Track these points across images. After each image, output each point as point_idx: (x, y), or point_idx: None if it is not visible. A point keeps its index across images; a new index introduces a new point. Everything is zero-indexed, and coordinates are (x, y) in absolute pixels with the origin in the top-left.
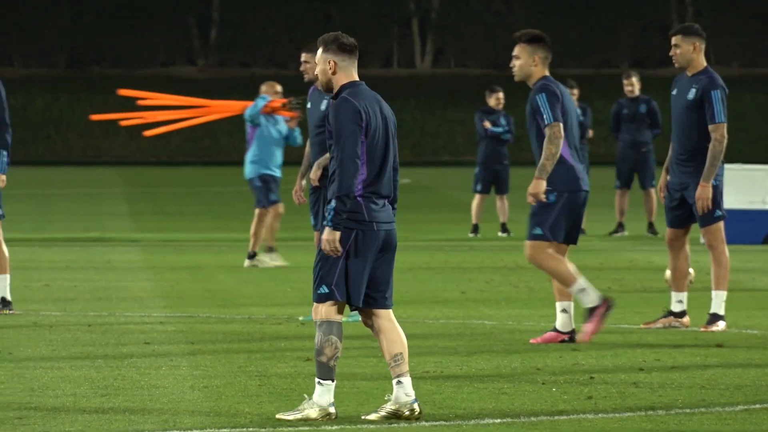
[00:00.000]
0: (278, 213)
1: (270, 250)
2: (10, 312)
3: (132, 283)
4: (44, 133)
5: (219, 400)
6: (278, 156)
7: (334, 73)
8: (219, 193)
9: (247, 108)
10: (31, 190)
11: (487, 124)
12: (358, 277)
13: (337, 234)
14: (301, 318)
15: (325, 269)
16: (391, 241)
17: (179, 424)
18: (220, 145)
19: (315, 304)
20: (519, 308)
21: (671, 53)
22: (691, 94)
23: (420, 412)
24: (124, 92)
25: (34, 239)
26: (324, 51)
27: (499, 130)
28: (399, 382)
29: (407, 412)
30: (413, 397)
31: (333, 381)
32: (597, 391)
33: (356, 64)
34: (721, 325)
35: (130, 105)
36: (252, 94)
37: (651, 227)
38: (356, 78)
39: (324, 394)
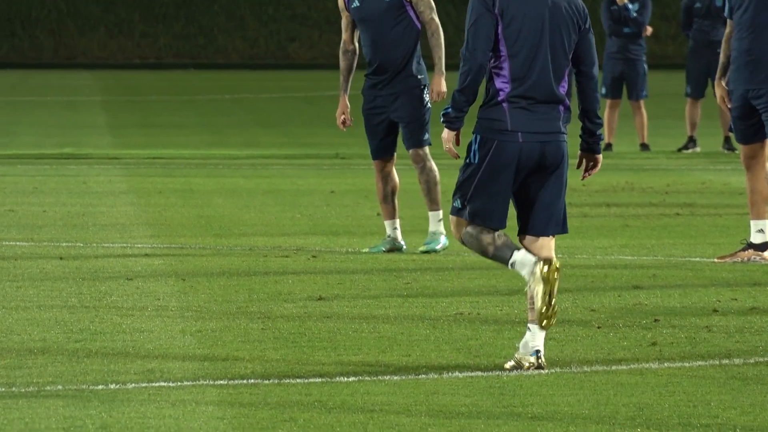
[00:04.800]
0: None
1: None
2: None
3: (112, 208)
4: (8, 30)
5: (214, 346)
6: None
7: None
8: (215, 102)
9: None
10: None
11: None
12: (495, 196)
13: (452, 134)
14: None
15: (462, 180)
16: (551, 158)
17: (168, 374)
18: (217, 44)
19: (450, 216)
20: (569, 238)
21: None
22: None
23: (539, 366)
24: None
25: None
26: None
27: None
28: (528, 329)
29: (527, 364)
30: (536, 348)
31: (517, 250)
32: (662, 337)
33: None
34: None
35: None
36: None
37: (728, 142)
38: None
39: (523, 267)
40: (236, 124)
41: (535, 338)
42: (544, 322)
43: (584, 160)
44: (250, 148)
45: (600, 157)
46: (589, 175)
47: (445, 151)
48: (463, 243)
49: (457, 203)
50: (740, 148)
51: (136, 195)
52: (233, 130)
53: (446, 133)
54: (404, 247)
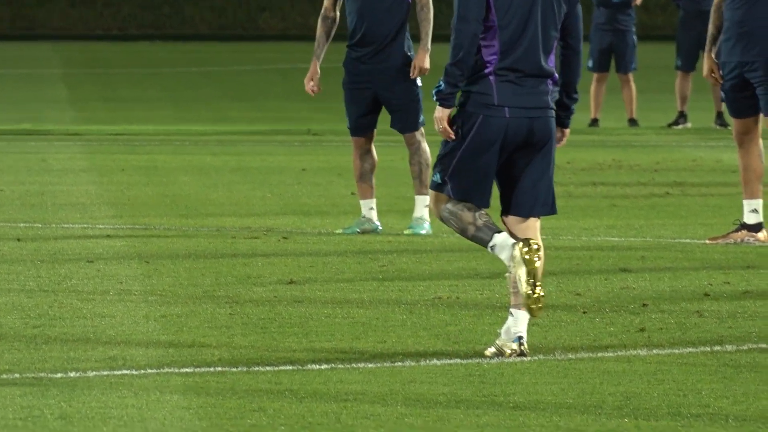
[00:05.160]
0: None
1: None
2: None
3: (72, 186)
4: None
5: (180, 332)
6: None
7: None
8: (182, 75)
9: None
10: None
11: None
12: (478, 172)
13: (446, 112)
14: (339, 230)
15: (443, 153)
16: (539, 135)
17: (130, 362)
18: (183, 14)
19: (430, 190)
20: (554, 218)
21: None
22: None
23: (522, 353)
24: None
25: None
26: None
27: None
28: (510, 314)
29: (508, 351)
30: (519, 334)
31: (498, 233)
32: (651, 322)
33: None
34: None
35: None
36: None
37: (720, 117)
38: None
39: (503, 251)
40: (203, 98)
41: (517, 323)
42: (533, 308)
43: None
44: (218, 124)
45: (568, 131)
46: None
47: (439, 132)
48: (442, 220)
49: (437, 178)
50: (733, 124)
51: (97, 173)
52: (200, 104)
53: (440, 112)
54: (380, 228)
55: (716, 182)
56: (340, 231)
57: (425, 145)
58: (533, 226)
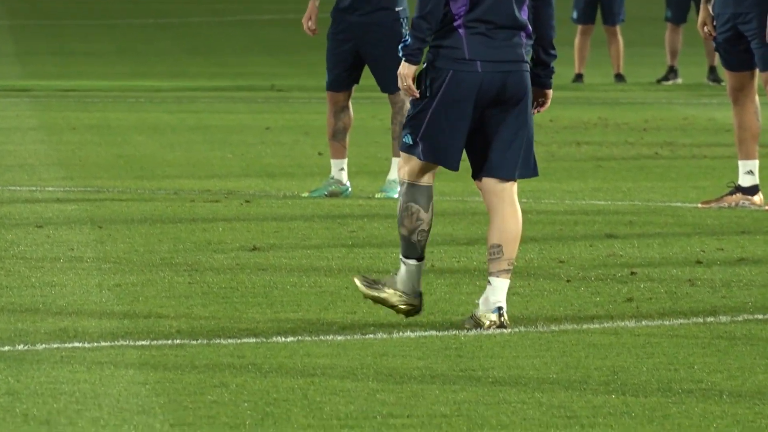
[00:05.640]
0: None
1: None
2: None
3: (20, 146)
4: None
5: (135, 302)
6: None
7: None
8: (136, 27)
9: None
10: None
11: None
12: (451, 132)
13: (412, 68)
14: (306, 193)
15: (413, 114)
16: (512, 90)
17: (82, 334)
18: None
19: (401, 152)
20: (535, 180)
21: None
22: None
23: (501, 325)
24: None
25: None
26: None
27: None
28: (489, 282)
29: (487, 323)
30: (498, 304)
31: (420, 260)
32: (639, 292)
33: None
34: None
35: None
36: None
37: (713, 72)
38: None
39: (407, 278)
40: (160, 52)
41: (496, 293)
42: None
43: (534, 96)
44: (176, 79)
45: (551, 92)
46: (538, 111)
47: (403, 90)
48: (399, 194)
49: (408, 139)
50: (727, 79)
51: (46, 131)
52: (156, 58)
53: (405, 68)
54: (349, 190)
55: (709, 142)
56: (306, 194)
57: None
58: (510, 191)
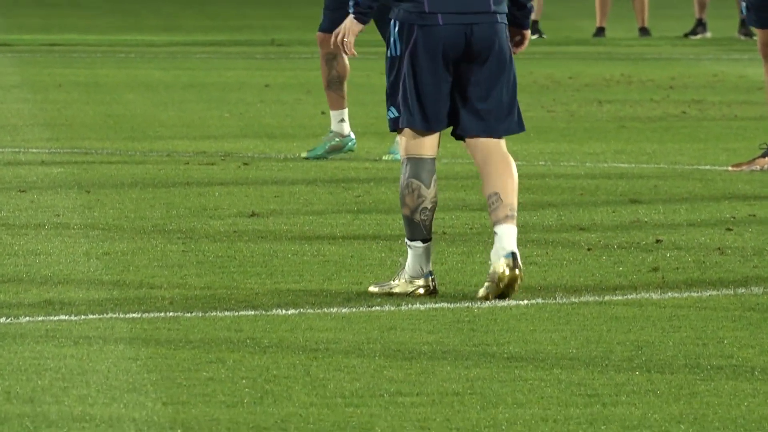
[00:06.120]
0: None
1: None
2: None
3: (2, 105)
4: None
5: (125, 272)
6: None
7: None
8: None
9: None
10: None
11: None
12: (430, 92)
13: (357, 27)
14: (304, 154)
15: (390, 84)
16: (481, 44)
17: (69, 306)
18: None
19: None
20: (554, 142)
21: None
22: None
23: (516, 267)
24: None
25: None
26: None
27: None
28: (495, 233)
29: (501, 269)
30: (510, 249)
31: (426, 242)
32: (665, 261)
33: None
34: None
35: None
36: None
37: (744, 26)
38: None
39: (414, 262)
40: (151, 4)
41: (503, 240)
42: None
43: (511, 36)
44: (169, 33)
45: (528, 33)
46: (516, 52)
47: (337, 43)
48: (401, 172)
49: (391, 113)
50: (758, 34)
51: (30, 89)
52: (148, 11)
53: (352, 24)
54: (353, 141)
55: (740, 100)
56: (304, 155)
57: None
58: (496, 148)
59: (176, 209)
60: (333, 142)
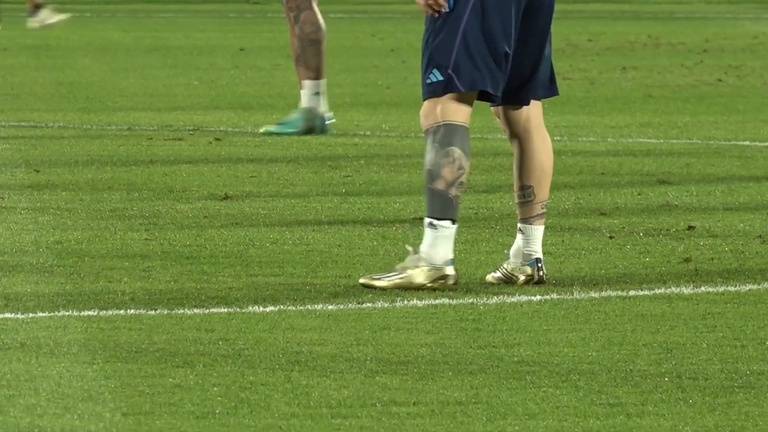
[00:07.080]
0: None
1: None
2: None
3: None
4: None
5: (80, 263)
6: None
7: None
8: None
9: None
10: None
11: None
12: (491, 53)
13: None
14: (264, 129)
15: (437, 44)
16: None
17: (15, 303)
18: None
19: (425, 102)
20: (572, 113)
21: None
22: None
23: (541, 279)
24: None
25: None
26: None
27: None
28: (520, 231)
29: (522, 277)
30: (535, 255)
31: (454, 223)
32: (698, 251)
33: None
34: None
35: None
36: None
37: None
38: None
39: (439, 245)
40: None
41: (530, 243)
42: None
43: None
44: None
45: None
46: None
47: (427, 5)
48: (426, 136)
49: (436, 76)
50: None
51: None
52: None
53: None
54: (330, 120)
55: None
56: (263, 130)
57: None
58: (538, 114)
59: (138, 191)
60: (306, 122)
